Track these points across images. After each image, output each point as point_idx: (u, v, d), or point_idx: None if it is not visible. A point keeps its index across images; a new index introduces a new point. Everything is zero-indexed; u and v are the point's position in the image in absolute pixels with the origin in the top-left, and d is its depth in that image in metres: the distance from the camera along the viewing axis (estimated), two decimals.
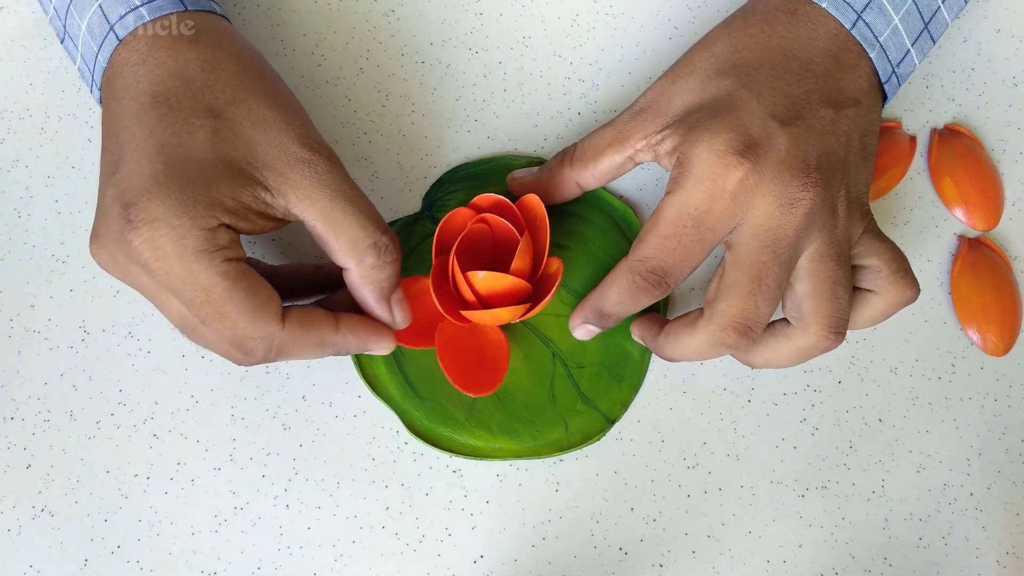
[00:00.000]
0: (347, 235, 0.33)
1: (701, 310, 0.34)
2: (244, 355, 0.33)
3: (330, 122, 0.42)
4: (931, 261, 0.42)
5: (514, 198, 0.38)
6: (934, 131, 0.43)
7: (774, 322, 0.35)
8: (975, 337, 0.41)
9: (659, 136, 0.35)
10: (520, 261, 0.36)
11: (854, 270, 0.35)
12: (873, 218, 0.35)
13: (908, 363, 0.40)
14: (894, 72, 0.37)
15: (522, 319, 0.37)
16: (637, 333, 0.38)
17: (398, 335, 0.36)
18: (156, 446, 0.38)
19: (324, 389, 0.39)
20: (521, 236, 0.36)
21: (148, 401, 0.38)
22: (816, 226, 0.33)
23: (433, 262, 0.37)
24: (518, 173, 0.40)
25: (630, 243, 0.39)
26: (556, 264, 0.37)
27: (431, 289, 0.36)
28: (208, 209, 0.31)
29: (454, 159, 0.42)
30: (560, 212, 0.40)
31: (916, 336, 0.41)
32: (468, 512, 0.38)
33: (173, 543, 0.37)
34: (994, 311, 0.41)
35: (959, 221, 0.42)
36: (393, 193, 0.41)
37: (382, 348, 0.35)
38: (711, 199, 0.33)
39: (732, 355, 0.36)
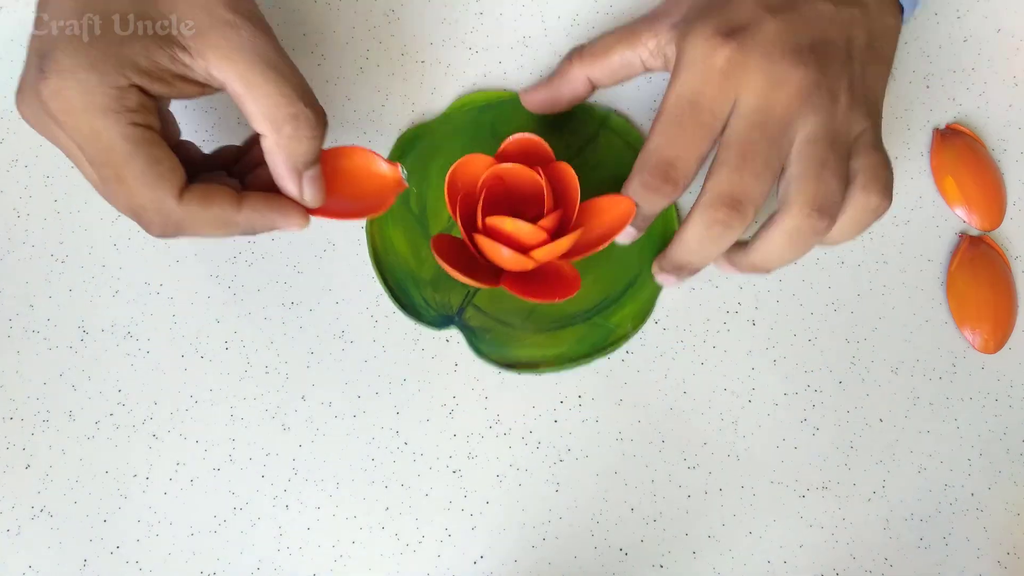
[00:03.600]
0: (266, 100, 0.31)
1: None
2: (144, 227, 0.32)
3: (330, 121, 0.42)
4: (932, 261, 0.42)
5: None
6: (936, 131, 0.43)
7: (770, 216, 0.35)
8: (967, 334, 0.41)
9: (667, 35, 0.36)
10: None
11: None
12: (878, 126, 0.35)
13: (908, 363, 0.40)
14: None
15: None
16: (656, 268, 0.39)
17: (323, 208, 0.35)
18: (155, 446, 0.38)
19: (324, 389, 0.39)
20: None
21: (147, 401, 0.38)
22: (810, 107, 0.33)
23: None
24: (529, 87, 0.41)
25: None
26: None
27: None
28: (118, 67, 0.30)
29: None
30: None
31: (916, 336, 0.41)
32: (468, 512, 0.37)
33: (173, 543, 0.36)
34: (988, 308, 0.41)
35: (961, 221, 0.42)
36: None
37: (292, 225, 0.34)
38: (703, 80, 0.34)
39: (730, 262, 0.37)
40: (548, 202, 0.37)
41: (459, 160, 0.37)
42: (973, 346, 0.41)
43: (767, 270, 0.36)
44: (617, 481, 0.38)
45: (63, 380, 0.38)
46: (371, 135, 0.42)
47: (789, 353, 0.40)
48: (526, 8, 0.44)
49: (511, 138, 0.38)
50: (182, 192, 0.31)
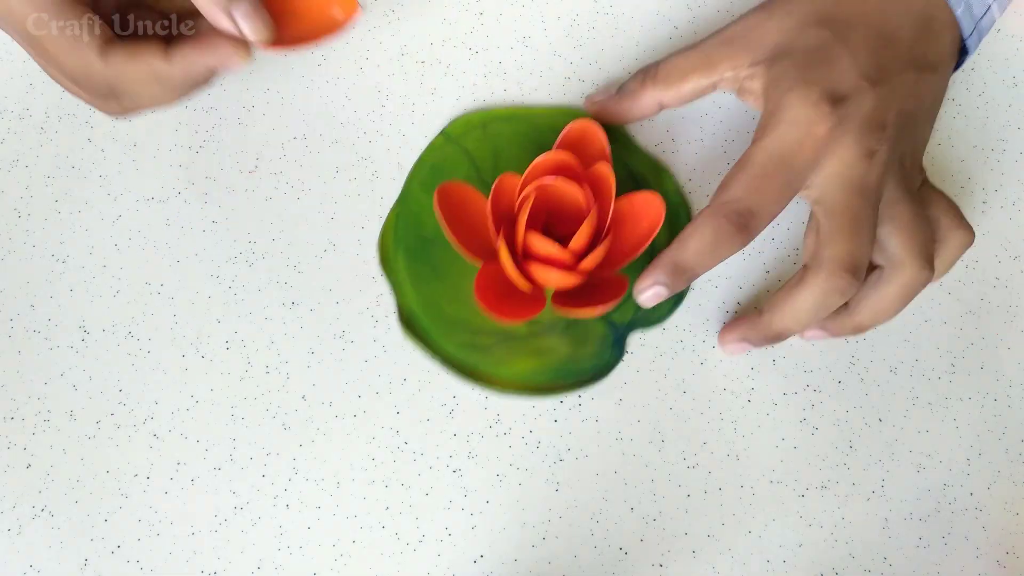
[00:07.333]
0: None
1: (801, 272, 0.35)
2: (89, 101, 0.32)
3: (330, 121, 0.42)
4: None
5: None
6: None
7: (867, 277, 0.36)
8: None
9: (749, 71, 0.37)
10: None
11: None
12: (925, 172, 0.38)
13: (908, 363, 0.40)
14: (976, 27, 0.38)
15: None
16: (733, 337, 0.38)
17: (281, 39, 0.33)
18: (156, 446, 0.38)
19: (324, 389, 0.39)
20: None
21: (148, 401, 0.38)
22: (890, 175, 0.35)
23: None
24: (596, 96, 0.41)
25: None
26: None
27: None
28: None
29: None
30: None
31: (916, 336, 0.41)
32: (468, 512, 0.38)
33: (173, 543, 0.37)
34: None
35: None
36: (393, 193, 0.41)
37: (231, 63, 0.32)
38: (799, 143, 0.34)
39: (832, 327, 0.37)
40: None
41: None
42: None
43: (868, 328, 0.37)
44: (617, 481, 0.38)
45: (64, 380, 0.38)
46: (371, 135, 0.42)
47: (788, 353, 0.40)
48: (526, 8, 0.45)
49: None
50: (105, 50, 0.31)
